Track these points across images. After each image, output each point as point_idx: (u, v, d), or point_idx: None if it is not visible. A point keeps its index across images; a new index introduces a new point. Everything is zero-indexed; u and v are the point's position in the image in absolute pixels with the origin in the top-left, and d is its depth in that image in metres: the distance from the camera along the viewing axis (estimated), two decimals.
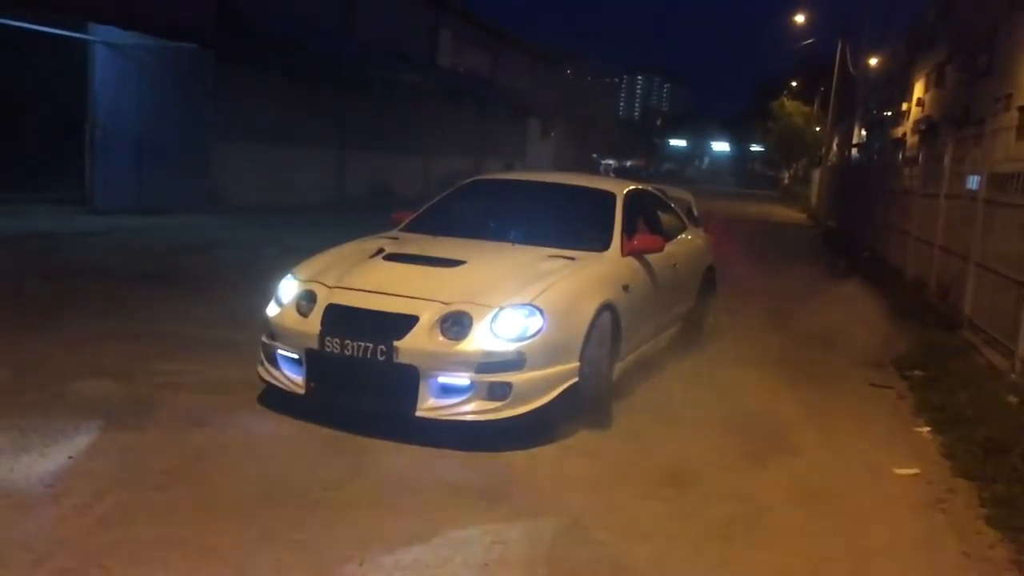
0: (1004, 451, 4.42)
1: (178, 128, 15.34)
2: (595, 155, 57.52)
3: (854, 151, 41.93)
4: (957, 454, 4.66)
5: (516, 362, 4.28)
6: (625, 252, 5.50)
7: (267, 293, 4.99)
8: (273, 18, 16.97)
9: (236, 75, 16.26)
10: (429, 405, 4.27)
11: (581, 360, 4.55)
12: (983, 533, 3.75)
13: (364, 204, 18.29)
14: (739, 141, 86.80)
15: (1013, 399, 5.41)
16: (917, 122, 32.08)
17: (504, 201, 6.43)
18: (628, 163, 68.35)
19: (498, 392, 4.26)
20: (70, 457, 3.86)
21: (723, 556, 3.37)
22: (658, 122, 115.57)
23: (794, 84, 58.39)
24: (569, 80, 49.86)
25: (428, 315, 4.34)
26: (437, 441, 4.23)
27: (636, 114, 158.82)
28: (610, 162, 61.77)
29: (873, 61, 42.72)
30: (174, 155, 15.13)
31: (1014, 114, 17.92)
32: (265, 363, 4.74)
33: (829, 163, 34.00)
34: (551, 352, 4.40)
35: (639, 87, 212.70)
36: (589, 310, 4.68)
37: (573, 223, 5.78)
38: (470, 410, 4.26)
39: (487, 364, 4.25)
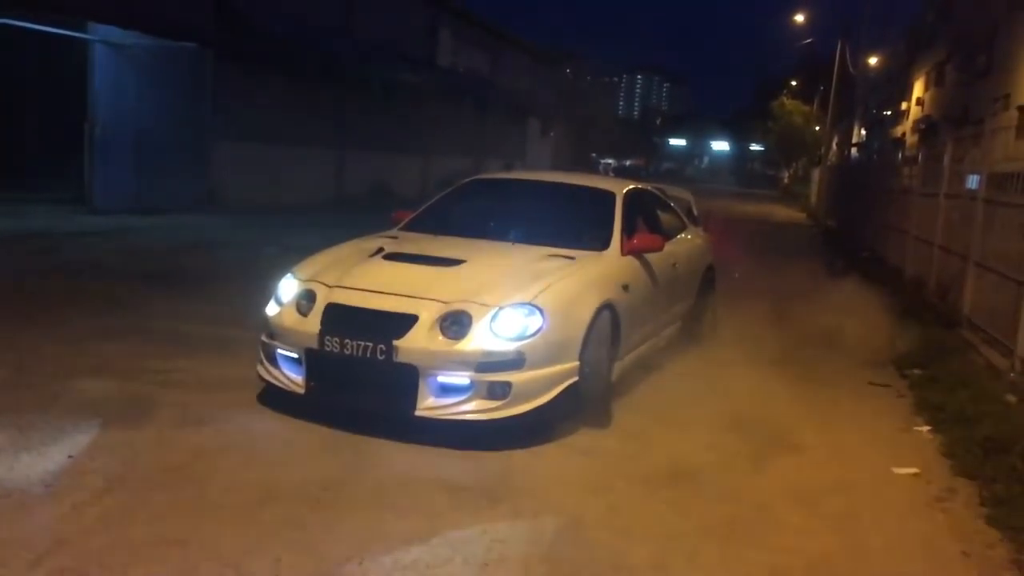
0: (1004, 450, 4.42)
1: (178, 128, 15.34)
2: (595, 154, 57.50)
3: (854, 150, 41.91)
4: (957, 453, 4.66)
5: (516, 361, 4.29)
6: (625, 251, 5.51)
7: (267, 292, 4.99)
8: (273, 18, 16.96)
9: (236, 75, 16.26)
10: (429, 404, 4.27)
11: (581, 359, 4.55)
12: (983, 532, 3.75)
13: (364, 204, 18.28)
14: (739, 141, 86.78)
15: (1012, 398, 5.41)
16: (917, 121, 32.06)
17: (504, 200, 6.43)
18: (628, 162, 68.28)
19: (498, 391, 4.26)
20: (70, 456, 3.86)
21: (723, 556, 3.38)
22: (658, 121, 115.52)
23: (794, 84, 58.39)
24: (569, 80, 49.85)
25: (428, 314, 4.34)
26: (437, 440, 4.23)
27: (636, 114, 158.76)
28: (610, 161, 61.73)
29: (873, 60, 42.74)
30: (174, 155, 15.13)
31: (1013, 113, 17.91)
32: (265, 362, 4.74)
33: (829, 162, 34.02)
34: (551, 351, 4.40)
35: (639, 87, 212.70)
36: (589, 309, 4.68)
37: (573, 222, 5.78)
38: (470, 409, 4.26)
39: (487, 363, 4.25)
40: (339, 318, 4.45)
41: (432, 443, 4.22)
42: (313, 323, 4.48)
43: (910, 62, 35.21)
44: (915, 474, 4.46)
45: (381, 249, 5.16)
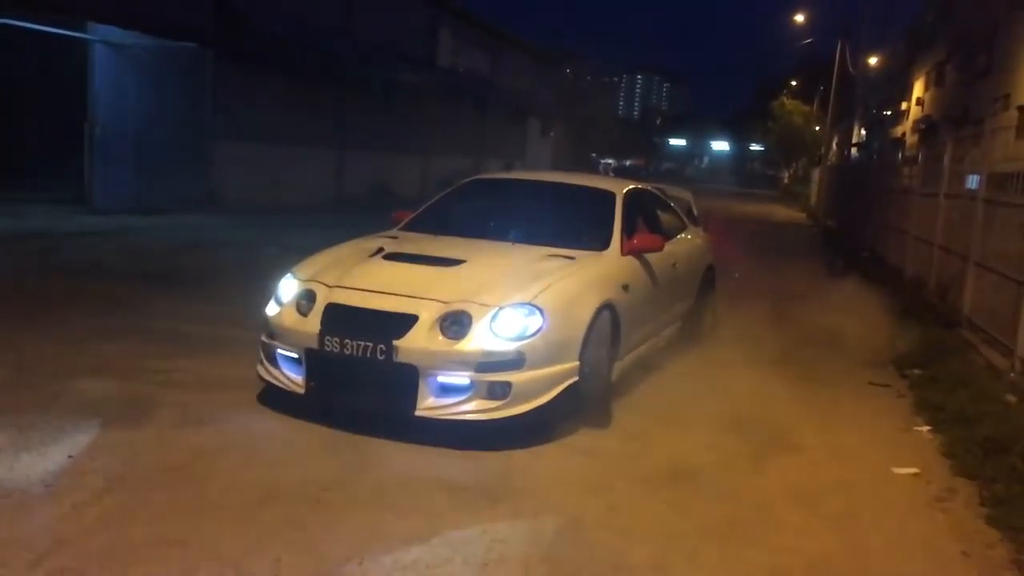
0: (1004, 450, 4.42)
1: (178, 128, 15.35)
2: (594, 154, 57.49)
3: (854, 150, 41.92)
4: (956, 453, 4.66)
5: (516, 361, 4.29)
6: (625, 251, 5.51)
7: (267, 292, 4.99)
8: (273, 18, 16.96)
9: (236, 75, 16.26)
10: (429, 404, 4.27)
11: (581, 359, 4.55)
12: (983, 532, 3.75)
13: (364, 204, 18.28)
14: (739, 140, 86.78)
15: (1012, 398, 5.41)
16: (916, 121, 32.06)
17: (504, 200, 6.43)
18: (628, 162, 68.28)
19: (498, 391, 4.26)
20: (70, 456, 3.86)
21: (723, 556, 3.38)
22: (658, 121, 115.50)
23: (794, 84, 58.39)
24: (569, 80, 49.84)
25: (428, 314, 4.34)
26: (437, 440, 4.23)
27: (636, 113, 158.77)
28: (609, 161, 61.73)
29: (873, 60, 42.74)
30: (173, 155, 15.14)
31: (1013, 113, 17.91)
32: (264, 362, 4.74)
33: (829, 162, 34.03)
34: (551, 351, 4.40)
35: (639, 87, 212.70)
36: (589, 309, 4.68)
37: (573, 222, 5.79)
38: (470, 409, 4.26)
39: (487, 363, 4.25)
40: (339, 318, 4.45)
41: (432, 443, 4.22)
42: (313, 323, 4.48)
43: (910, 62, 35.21)
44: (915, 474, 4.46)
45: (381, 249, 5.16)
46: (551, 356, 4.40)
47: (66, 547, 3.04)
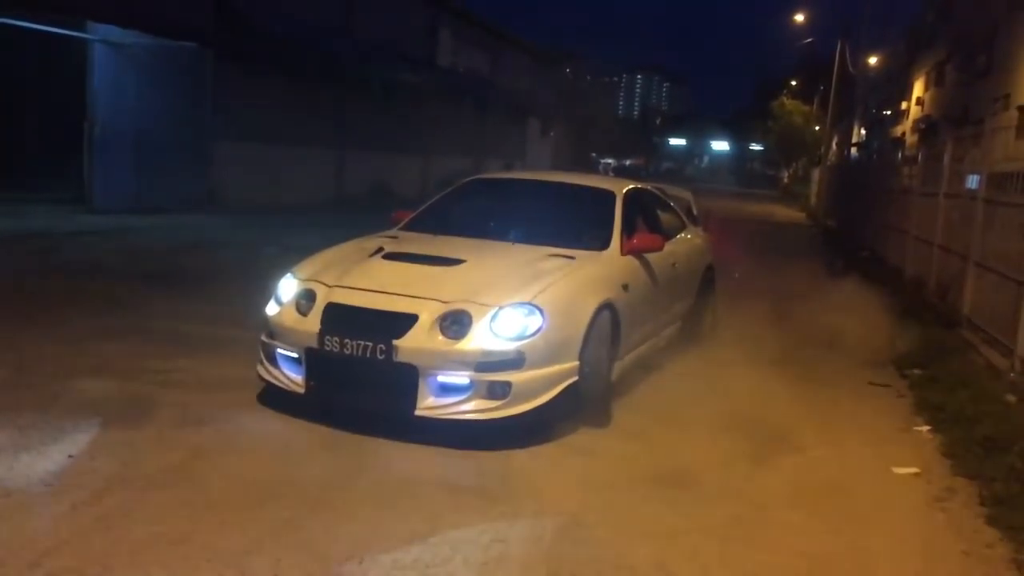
0: (1003, 450, 4.43)
1: (177, 127, 15.34)
2: (594, 154, 57.48)
3: (853, 150, 41.93)
4: (956, 453, 4.66)
5: (515, 361, 4.29)
6: (624, 251, 5.51)
7: (266, 292, 4.99)
8: (273, 18, 16.96)
9: (236, 74, 16.25)
10: (428, 404, 4.27)
11: (580, 359, 4.55)
12: (982, 532, 3.75)
13: (364, 204, 18.28)
14: (739, 140, 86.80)
15: (1012, 398, 5.42)
16: (916, 121, 32.05)
17: (503, 200, 6.43)
18: (627, 162, 68.24)
19: (497, 391, 4.26)
20: (70, 456, 3.86)
21: (723, 556, 3.38)
22: (658, 121, 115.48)
23: (794, 83, 58.39)
24: (569, 80, 49.84)
25: (427, 314, 4.34)
26: (437, 440, 4.23)
27: (635, 113, 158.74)
28: (609, 161, 61.72)
29: (873, 60, 42.73)
30: (173, 154, 15.13)
31: (1013, 113, 17.90)
32: (264, 362, 4.74)
33: (828, 162, 34.02)
34: (550, 351, 4.40)
35: (639, 86, 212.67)
36: (588, 309, 4.68)
37: (572, 222, 5.79)
38: (470, 409, 4.26)
39: (486, 363, 4.26)
40: (339, 318, 4.45)
41: (432, 443, 4.22)
42: (313, 323, 4.48)
43: (910, 62, 35.21)
44: (915, 474, 4.46)
45: (381, 249, 5.16)
46: (551, 356, 4.40)
47: (66, 547, 3.04)
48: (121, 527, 3.22)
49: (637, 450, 4.47)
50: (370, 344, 4.28)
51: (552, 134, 39.28)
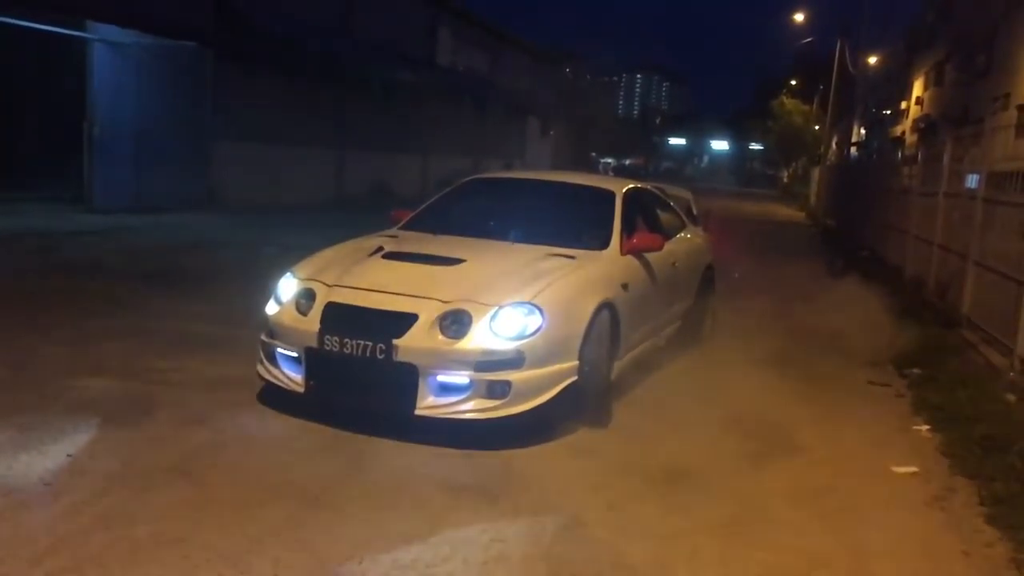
0: (1003, 449, 4.43)
1: (177, 127, 15.34)
2: (594, 154, 57.48)
3: (853, 150, 41.93)
4: (956, 452, 4.66)
5: (515, 360, 4.29)
6: (624, 251, 5.51)
7: (266, 291, 4.99)
8: (272, 17, 16.95)
9: (235, 74, 16.25)
10: (428, 403, 4.27)
11: (580, 358, 4.55)
12: (982, 531, 3.75)
13: (364, 204, 18.27)
14: (739, 140, 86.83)
15: (1011, 397, 5.42)
16: (916, 121, 32.05)
17: (503, 200, 6.43)
18: (627, 162, 68.25)
19: (497, 390, 4.26)
20: (69, 455, 3.86)
21: (722, 555, 3.38)
22: (657, 121, 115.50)
23: (793, 83, 58.38)
24: (569, 80, 49.82)
25: (427, 313, 4.34)
26: (436, 440, 4.23)
27: (635, 113, 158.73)
28: (609, 161, 61.74)
29: (872, 60, 42.72)
30: (173, 154, 15.13)
31: (1013, 113, 17.92)
32: (264, 361, 4.74)
33: (828, 162, 34.02)
34: (550, 350, 4.40)
35: (638, 86, 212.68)
36: (588, 309, 4.68)
37: (572, 222, 5.78)
38: (469, 408, 4.26)
39: (486, 362, 4.26)
40: (339, 317, 4.45)
41: (432, 442, 4.22)
42: (313, 322, 4.48)
43: (910, 61, 35.21)
44: (914, 473, 4.46)
45: (381, 248, 5.16)
46: (551, 355, 4.40)
47: (66, 546, 3.04)
48: (121, 526, 3.22)
49: (637, 449, 4.47)
50: (370, 343, 4.28)
51: (552, 134, 39.28)
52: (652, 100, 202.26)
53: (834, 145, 40.23)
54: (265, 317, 4.82)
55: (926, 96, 31.33)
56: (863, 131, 48.10)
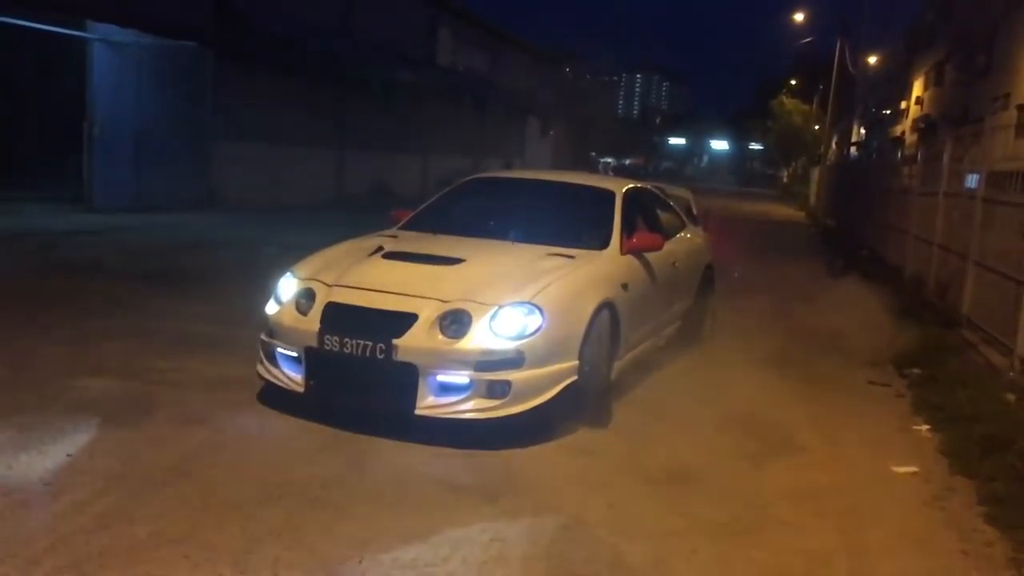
0: (1002, 449, 4.43)
1: (177, 127, 15.34)
2: (594, 153, 57.48)
3: (853, 149, 41.93)
4: (955, 452, 4.66)
5: (515, 360, 4.29)
6: (624, 250, 5.51)
7: (266, 291, 4.99)
8: (272, 17, 16.95)
9: (235, 74, 16.25)
10: (428, 403, 4.27)
11: (580, 358, 4.55)
12: (981, 531, 3.75)
13: (363, 203, 18.26)
14: (738, 140, 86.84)
15: (1011, 397, 5.42)
16: (916, 120, 32.05)
17: (503, 199, 6.43)
18: (627, 161, 68.24)
19: (497, 390, 4.26)
20: (69, 455, 3.86)
21: (722, 555, 3.38)
22: (657, 121, 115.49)
23: (793, 83, 58.39)
24: (568, 79, 49.82)
25: (427, 313, 4.34)
26: (436, 439, 4.23)
27: (635, 113, 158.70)
28: (609, 160, 61.74)
29: (872, 60, 42.73)
30: (173, 154, 15.13)
31: (1013, 112, 17.91)
32: (264, 361, 4.74)
33: (828, 162, 34.02)
34: (550, 350, 4.40)
35: (638, 86, 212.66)
36: (588, 308, 4.68)
37: (572, 221, 5.79)
38: (469, 408, 4.26)
39: (486, 362, 4.26)
40: (339, 317, 4.45)
41: (432, 442, 4.22)
42: (313, 322, 4.48)
43: (909, 61, 35.21)
44: (914, 473, 4.46)
45: (380, 248, 5.16)
46: (551, 355, 4.40)
47: (65, 546, 3.04)
48: (120, 526, 3.22)
49: (637, 449, 4.47)
50: (370, 343, 4.28)
51: (552, 134, 39.28)
52: (652, 100, 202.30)
53: (834, 145, 40.23)
54: (265, 317, 4.82)
55: (926, 96, 31.33)
56: (863, 131, 48.11)
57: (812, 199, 32.76)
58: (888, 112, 40.75)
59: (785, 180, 56.82)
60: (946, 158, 9.29)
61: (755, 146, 77.83)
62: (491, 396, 4.26)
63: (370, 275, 4.71)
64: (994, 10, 21.87)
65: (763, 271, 11.36)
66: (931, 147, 11.65)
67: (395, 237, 5.60)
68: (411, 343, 4.26)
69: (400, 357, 4.25)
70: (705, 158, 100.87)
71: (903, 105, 35.79)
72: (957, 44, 26.04)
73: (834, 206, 23.84)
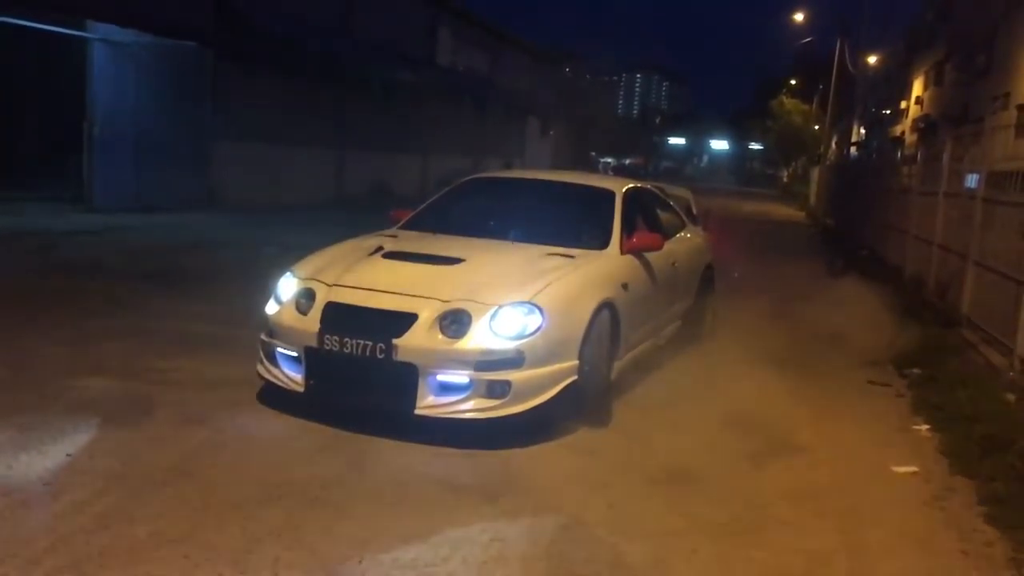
0: (1002, 449, 4.43)
1: (177, 126, 15.33)
2: (594, 153, 57.48)
3: (853, 149, 41.92)
4: (955, 452, 4.66)
5: (515, 360, 4.29)
6: (624, 250, 5.51)
7: (266, 291, 4.99)
8: (272, 17, 16.95)
9: (235, 74, 16.25)
10: (428, 403, 4.28)
11: (580, 358, 4.55)
12: (981, 531, 3.75)
13: (363, 203, 18.25)
14: (738, 139, 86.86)
15: (1011, 397, 5.42)
16: (916, 120, 32.03)
17: (503, 199, 6.43)
18: (627, 161, 68.16)
19: (497, 390, 4.26)
20: (68, 455, 3.86)
21: (722, 555, 3.38)
22: (657, 120, 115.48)
23: (793, 83, 58.40)
24: (568, 79, 49.82)
25: (427, 313, 4.34)
26: (436, 439, 4.23)
27: (635, 113, 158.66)
28: (609, 160, 61.69)
29: (872, 59, 42.72)
30: (173, 153, 15.12)
31: (1012, 112, 17.90)
32: (264, 361, 4.74)
33: (828, 161, 34.01)
34: (550, 350, 4.40)
35: (638, 86, 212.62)
36: (588, 308, 4.68)
37: (572, 221, 5.79)
38: (469, 408, 4.26)
39: (486, 362, 4.26)
40: (339, 317, 4.45)
41: (432, 442, 4.22)
42: (312, 322, 4.48)
43: (909, 61, 35.19)
44: (914, 473, 4.46)
45: (380, 248, 5.16)
46: (550, 355, 4.40)
47: (65, 546, 3.04)
48: (120, 526, 3.22)
49: (637, 449, 4.48)
50: (370, 343, 4.28)
51: (552, 133, 39.28)
52: (652, 100, 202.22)
53: (834, 145, 40.22)
54: (265, 317, 4.82)
55: (926, 96, 31.31)
56: (863, 131, 48.09)
57: (812, 199, 32.75)
58: (888, 112, 40.73)
59: (785, 180, 56.83)
60: (946, 158, 9.29)
61: (755, 146, 77.85)
62: (491, 396, 4.26)
63: (370, 275, 4.71)
64: (994, 10, 21.86)
65: (763, 271, 11.36)
66: (931, 147, 11.65)
67: (395, 237, 5.60)
68: (411, 343, 4.26)
69: (400, 357, 4.25)
70: (705, 158, 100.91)
71: (903, 105, 35.78)
72: (957, 44, 26.03)
73: (834, 206, 23.84)
